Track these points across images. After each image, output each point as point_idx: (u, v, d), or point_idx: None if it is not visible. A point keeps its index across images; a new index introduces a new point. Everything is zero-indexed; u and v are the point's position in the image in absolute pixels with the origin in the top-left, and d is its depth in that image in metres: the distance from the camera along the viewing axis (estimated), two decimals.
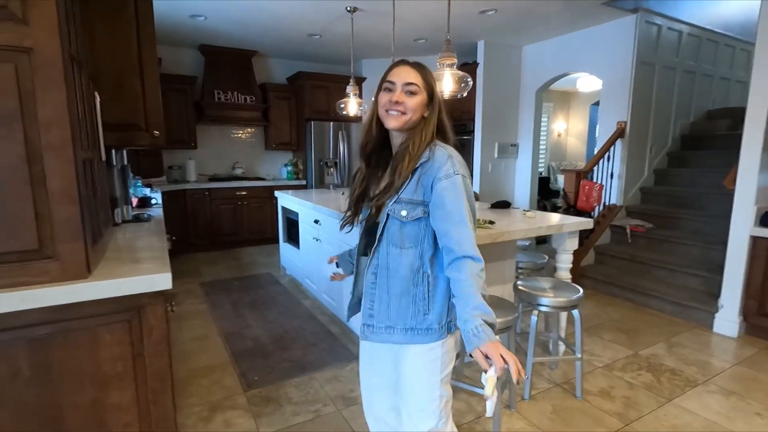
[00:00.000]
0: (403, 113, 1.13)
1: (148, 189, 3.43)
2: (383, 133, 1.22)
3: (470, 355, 1.01)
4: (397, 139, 1.20)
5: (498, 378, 0.95)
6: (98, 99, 1.53)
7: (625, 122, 4.26)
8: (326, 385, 2.28)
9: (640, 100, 4.27)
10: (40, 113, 1.06)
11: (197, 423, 1.97)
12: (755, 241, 2.82)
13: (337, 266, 1.48)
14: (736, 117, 4.33)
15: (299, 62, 5.90)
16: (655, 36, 4.28)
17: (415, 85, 1.13)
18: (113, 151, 2.04)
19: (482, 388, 0.98)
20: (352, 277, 1.40)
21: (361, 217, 1.27)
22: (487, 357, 0.98)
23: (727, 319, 2.95)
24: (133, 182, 2.95)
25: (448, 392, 1.22)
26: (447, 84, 2.44)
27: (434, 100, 1.17)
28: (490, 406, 0.97)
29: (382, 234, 1.17)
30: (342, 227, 1.31)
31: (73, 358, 1.19)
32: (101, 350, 1.22)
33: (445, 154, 1.12)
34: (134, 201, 2.72)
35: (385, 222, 1.15)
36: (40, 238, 1.10)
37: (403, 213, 1.13)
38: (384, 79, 1.17)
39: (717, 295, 3.04)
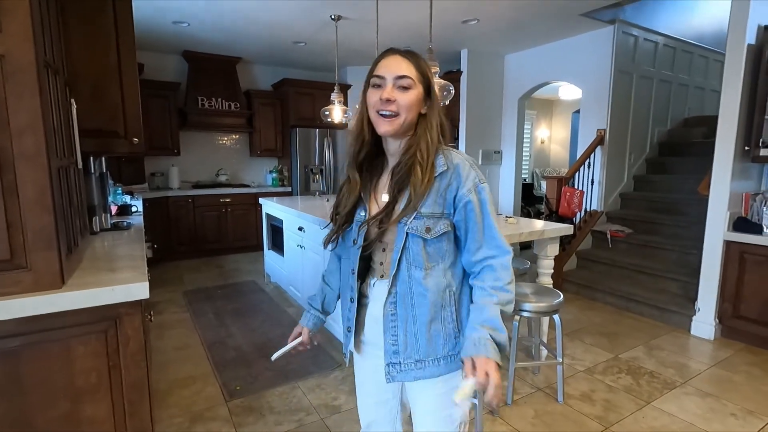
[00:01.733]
0: (396, 114, 0.95)
1: (129, 196, 3.38)
2: (377, 137, 1.03)
3: (460, 359, 0.97)
4: (393, 144, 1.03)
5: (475, 392, 0.92)
6: (74, 106, 1.51)
7: (605, 130, 4.36)
8: (309, 393, 2.27)
9: (618, 108, 4.38)
10: (12, 121, 1.04)
11: None
12: (728, 245, 2.90)
13: (315, 335, 1.25)
14: (711, 125, 4.45)
15: (284, 69, 5.90)
16: (632, 46, 4.40)
17: (409, 78, 0.95)
18: (91, 158, 2.01)
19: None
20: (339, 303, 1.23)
21: (353, 234, 1.06)
22: (474, 369, 0.92)
23: (704, 322, 3.02)
24: (112, 190, 2.90)
25: (465, 414, 1.08)
26: None
27: (432, 94, 1.00)
28: (457, 412, 0.96)
29: (401, 257, 0.98)
30: (326, 245, 1.13)
31: (46, 371, 1.16)
32: (75, 362, 1.20)
33: (465, 163, 0.99)
34: (113, 209, 2.68)
35: (404, 242, 0.98)
36: (11, 247, 1.08)
37: (427, 229, 0.97)
38: (371, 73, 0.98)
39: (694, 298, 3.11)
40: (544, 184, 7.42)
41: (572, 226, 2.79)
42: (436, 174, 0.98)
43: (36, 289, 1.12)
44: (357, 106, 1.08)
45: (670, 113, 5.00)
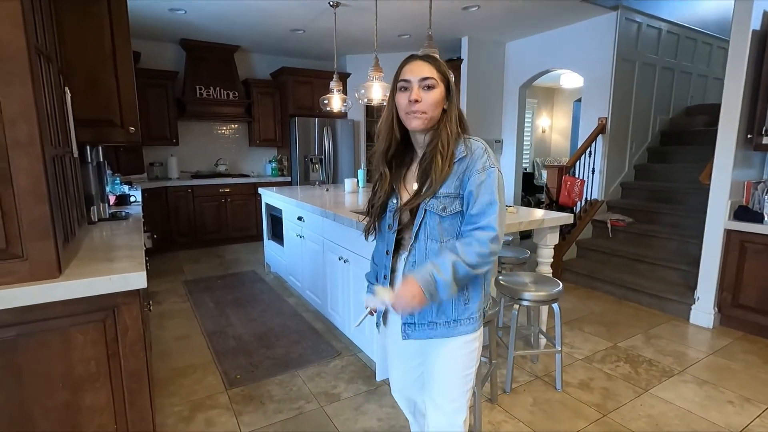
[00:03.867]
0: (424, 112, 1.09)
1: (128, 186, 3.37)
2: (405, 134, 1.18)
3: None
4: (420, 137, 1.17)
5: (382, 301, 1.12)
6: (69, 94, 1.49)
7: (606, 118, 4.33)
8: (309, 382, 2.28)
9: (620, 97, 4.34)
10: (4, 109, 1.03)
11: (178, 423, 1.95)
12: (729, 234, 2.89)
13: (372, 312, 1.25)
14: (713, 113, 4.42)
15: (282, 57, 5.84)
16: (635, 33, 4.34)
17: (432, 78, 1.09)
18: (88, 147, 1.99)
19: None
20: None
21: (388, 220, 1.22)
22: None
23: (703, 310, 3.03)
24: (110, 179, 2.89)
25: (474, 382, 1.26)
26: None
27: (451, 92, 1.14)
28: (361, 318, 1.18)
29: (419, 230, 1.14)
30: (367, 235, 1.30)
31: (44, 360, 1.17)
32: (73, 351, 1.20)
33: (481, 147, 1.12)
34: (112, 199, 2.67)
35: (423, 217, 1.13)
36: (6, 237, 1.08)
37: (442, 207, 1.11)
38: (397, 79, 1.12)
39: (694, 287, 3.11)
40: (544, 173, 7.39)
41: (572, 215, 2.78)
42: (456, 159, 1.11)
43: (32, 279, 1.11)
44: (384, 107, 1.20)
45: (672, 101, 4.95)
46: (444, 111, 1.13)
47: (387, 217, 1.22)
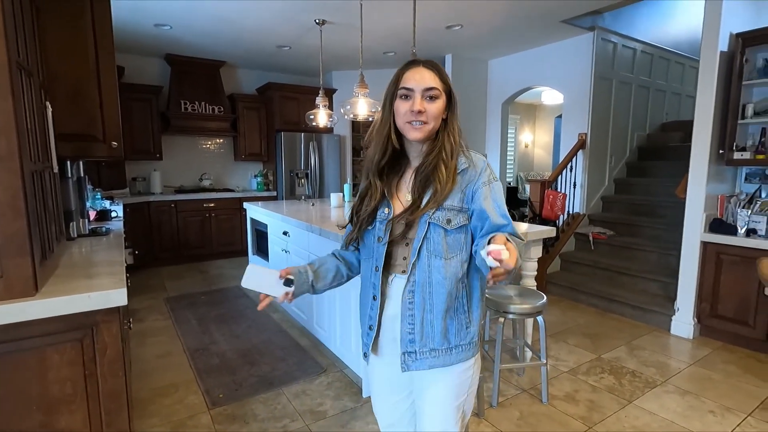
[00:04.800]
0: (426, 123, 1.02)
1: (109, 201, 3.31)
2: (400, 143, 1.10)
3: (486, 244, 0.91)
4: (416, 148, 1.09)
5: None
6: (50, 109, 1.47)
7: (586, 134, 4.45)
8: (294, 400, 2.24)
9: (599, 113, 4.47)
10: None
11: None
12: (705, 246, 2.98)
13: (289, 284, 1.12)
14: (687, 129, 4.58)
15: (269, 73, 5.87)
16: (611, 53, 4.51)
17: (436, 89, 1.02)
18: (68, 162, 1.96)
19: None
20: (358, 304, 1.22)
21: (377, 232, 1.10)
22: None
23: (683, 321, 3.09)
24: (91, 194, 2.84)
25: (470, 411, 1.18)
26: None
27: (453, 101, 1.07)
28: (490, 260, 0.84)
29: (422, 245, 1.04)
30: (347, 246, 1.20)
31: (18, 381, 1.13)
32: (49, 371, 1.16)
33: (483, 161, 1.09)
34: (92, 214, 2.62)
35: (426, 232, 1.04)
36: None
37: (447, 220, 1.03)
38: (398, 85, 1.04)
39: (674, 298, 3.18)
40: (527, 187, 7.52)
41: (555, 228, 2.82)
42: (458, 171, 1.05)
43: (7, 297, 1.08)
44: (376, 116, 1.13)
45: (648, 118, 5.12)
46: (444, 121, 1.07)
47: (376, 228, 1.10)
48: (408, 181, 1.10)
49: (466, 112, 5.33)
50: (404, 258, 1.08)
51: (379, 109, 1.12)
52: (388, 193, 1.10)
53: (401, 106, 1.03)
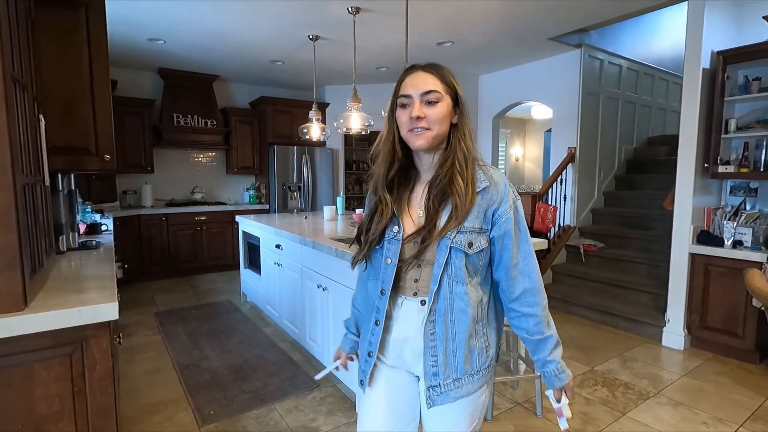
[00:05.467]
0: (428, 129, 0.95)
1: (99, 215, 3.28)
2: (408, 155, 1.04)
3: (550, 391, 1.07)
4: (426, 158, 1.02)
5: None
6: (43, 122, 1.47)
7: (575, 148, 4.53)
8: (287, 415, 2.20)
9: (587, 128, 4.56)
10: None
11: None
12: (694, 258, 3.02)
13: (350, 358, 1.25)
14: (673, 143, 4.69)
15: (262, 87, 5.91)
16: (598, 69, 4.62)
17: (436, 92, 0.95)
18: (59, 175, 1.95)
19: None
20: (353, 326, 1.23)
21: (385, 252, 1.02)
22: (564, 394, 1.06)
23: (674, 332, 3.12)
24: (81, 207, 2.81)
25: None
26: None
27: (461, 103, 0.99)
28: (565, 422, 1.07)
29: (443, 272, 0.96)
30: (353, 265, 1.11)
31: (4, 398, 1.10)
32: (36, 388, 1.14)
33: (504, 181, 1.00)
34: (82, 227, 2.59)
35: (447, 257, 0.96)
36: None
37: (468, 243, 0.96)
38: (397, 94, 0.98)
39: (665, 310, 3.21)
40: None
41: (547, 241, 2.85)
42: (479, 189, 0.97)
43: None
44: (385, 118, 1.05)
45: (635, 132, 5.23)
46: (454, 126, 0.99)
47: (384, 248, 1.02)
48: (420, 196, 1.02)
49: None
50: (415, 280, 1.00)
51: (372, 123, 1.10)
52: (397, 210, 1.02)
53: (402, 116, 0.97)
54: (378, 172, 1.04)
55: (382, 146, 1.04)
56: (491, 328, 1.05)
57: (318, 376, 1.30)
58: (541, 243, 2.69)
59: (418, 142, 0.96)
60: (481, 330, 1.02)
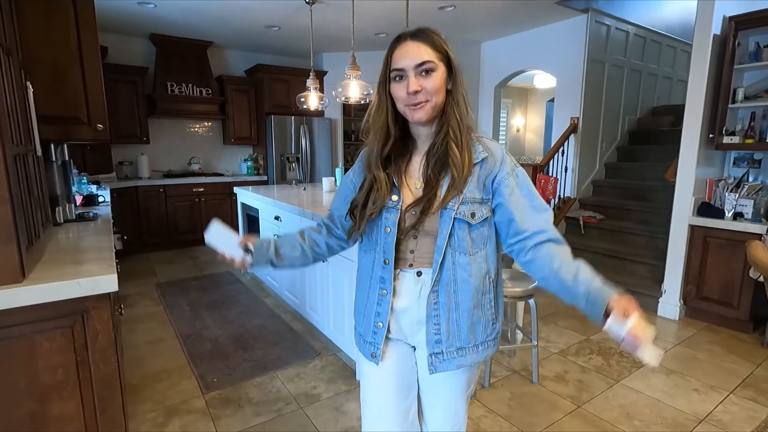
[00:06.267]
0: (427, 101, 0.92)
1: (95, 186, 3.24)
2: (404, 127, 1.01)
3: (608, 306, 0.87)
4: (424, 130, 1.00)
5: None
6: (31, 89, 1.42)
7: (578, 118, 4.44)
8: (288, 383, 2.25)
9: (591, 97, 4.47)
10: None
11: (152, 429, 1.89)
12: (693, 229, 3.02)
13: (248, 252, 1.09)
14: (678, 114, 4.61)
15: (258, 54, 5.74)
16: (605, 35, 4.48)
17: (430, 62, 0.91)
18: (52, 145, 1.91)
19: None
20: (353, 299, 1.15)
21: (384, 222, 1.00)
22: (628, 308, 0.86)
23: (670, 303, 3.16)
24: (77, 179, 2.78)
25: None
26: None
27: (454, 69, 0.95)
28: (651, 351, 0.79)
29: (447, 243, 0.96)
30: (350, 237, 1.12)
31: (7, 369, 1.11)
32: (39, 359, 1.15)
33: (501, 149, 1.00)
34: (79, 199, 2.56)
35: (451, 228, 0.95)
36: None
37: (471, 213, 0.96)
38: (389, 67, 0.94)
39: (661, 281, 3.24)
40: None
41: None
42: (478, 161, 0.96)
43: None
44: (372, 101, 1.00)
45: (639, 102, 5.13)
46: (449, 92, 0.96)
47: (382, 217, 1.00)
48: (418, 166, 1.01)
49: None
50: (411, 252, 1.00)
51: (372, 92, 1.05)
52: (397, 181, 1.00)
53: (398, 90, 0.94)
54: (371, 149, 1.01)
55: (373, 122, 1.00)
56: (499, 299, 1.06)
57: (208, 236, 1.09)
58: None
59: (417, 114, 0.94)
60: (488, 303, 1.02)
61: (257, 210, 3.74)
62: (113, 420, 1.29)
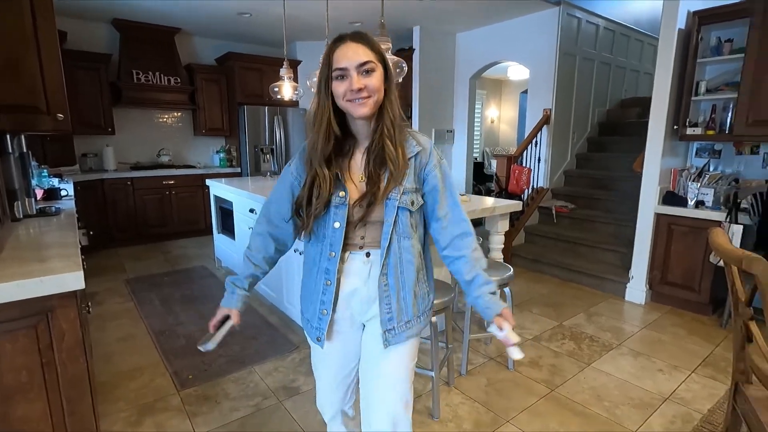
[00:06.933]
0: (369, 96, 0.98)
1: (57, 179, 3.09)
2: (343, 124, 1.06)
3: (487, 324, 1.10)
4: (364, 126, 1.05)
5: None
6: None
7: (550, 110, 4.53)
8: (267, 377, 2.23)
9: (563, 89, 4.56)
10: None
11: (125, 429, 1.84)
12: (659, 218, 3.15)
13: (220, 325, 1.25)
14: (644, 105, 4.77)
15: (229, 42, 5.57)
16: (576, 28, 4.56)
17: (370, 62, 0.97)
18: (8, 136, 1.80)
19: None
20: (314, 287, 1.17)
21: (333, 217, 1.07)
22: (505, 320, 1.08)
23: (636, 288, 3.29)
24: (37, 172, 2.64)
25: None
26: None
27: (389, 71, 1.03)
28: (516, 350, 1.04)
29: (393, 229, 1.06)
30: (300, 235, 1.16)
31: None
32: (1, 361, 1.09)
33: (431, 144, 1.12)
34: (39, 193, 2.44)
35: (395, 216, 1.05)
36: None
37: (411, 202, 1.07)
38: (330, 66, 0.99)
39: (629, 267, 3.37)
40: (494, 162, 7.64)
41: (521, 202, 2.90)
42: (412, 155, 1.07)
43: None
44: (315, 92, 1.05)
45: (609, 94, 5.28)
46: (384, 92, 1.02)
47: (332, 213, 1.07)
48: (360, 162, 1.08)
49: (435, 87, 5.29)
50: (361, 237, 1.09)
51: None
52: (341, 177, 1.06)
53: (339, 88, 0.98)
54: (313, 147, 1.05)
55: (315, 121, 1.04)
56: (429, 275, 1.21)
57: (210, 345, 1.20)
58: (516, 205, 2.73)
59: (362, 110, 0.99)
60: (423, 277, 1.16)
61: (231, 203, 3.66)
62: (83, 420, 1.25)
